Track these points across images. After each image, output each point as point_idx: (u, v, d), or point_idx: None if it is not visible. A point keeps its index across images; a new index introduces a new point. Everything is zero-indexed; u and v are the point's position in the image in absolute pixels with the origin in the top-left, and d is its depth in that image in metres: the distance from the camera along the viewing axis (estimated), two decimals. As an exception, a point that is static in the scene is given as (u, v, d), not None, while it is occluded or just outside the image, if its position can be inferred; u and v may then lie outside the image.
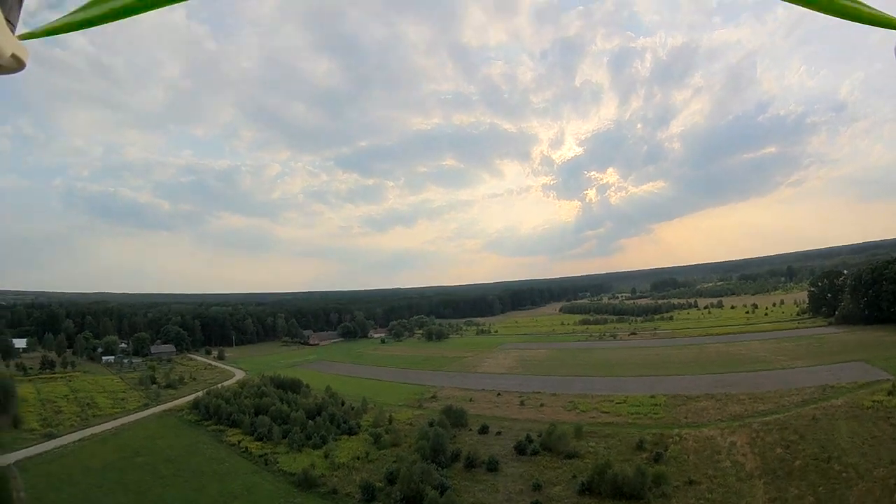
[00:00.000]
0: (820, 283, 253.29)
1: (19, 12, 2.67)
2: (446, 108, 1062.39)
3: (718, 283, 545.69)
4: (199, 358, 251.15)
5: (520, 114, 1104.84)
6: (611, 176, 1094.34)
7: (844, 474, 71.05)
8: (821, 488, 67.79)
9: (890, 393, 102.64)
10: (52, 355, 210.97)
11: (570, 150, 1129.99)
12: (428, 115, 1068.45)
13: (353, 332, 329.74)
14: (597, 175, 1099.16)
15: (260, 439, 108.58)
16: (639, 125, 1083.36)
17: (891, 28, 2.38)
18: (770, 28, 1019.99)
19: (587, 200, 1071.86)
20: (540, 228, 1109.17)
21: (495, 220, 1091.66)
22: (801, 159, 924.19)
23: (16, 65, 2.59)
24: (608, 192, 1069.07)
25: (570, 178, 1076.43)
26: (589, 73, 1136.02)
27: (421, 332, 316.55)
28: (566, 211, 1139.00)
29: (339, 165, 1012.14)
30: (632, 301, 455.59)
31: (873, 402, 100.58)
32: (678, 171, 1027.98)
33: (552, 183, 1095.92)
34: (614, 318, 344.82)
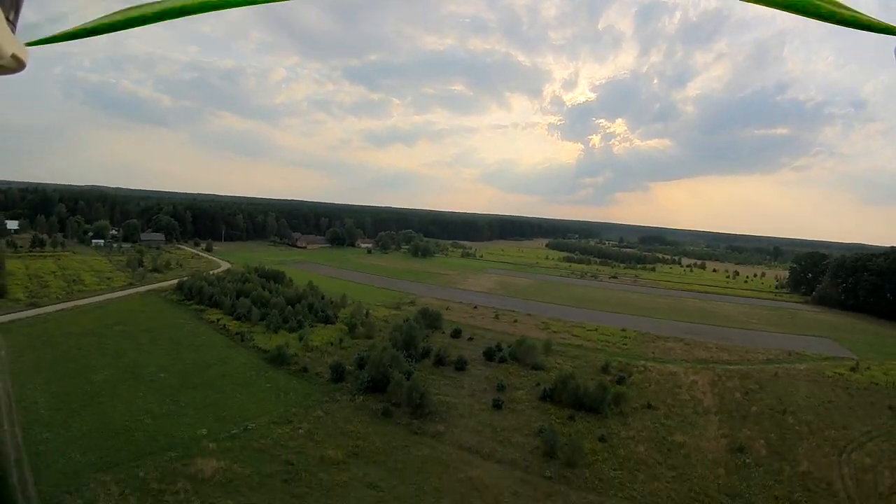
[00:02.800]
0: (803, 262, 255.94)
1: (19, 12, 2.67)
2: (463, 31, 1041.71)
3: (705, 248, 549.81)
4: (187, 248, 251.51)
5: (536, 48, 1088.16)
6: (619, 126, 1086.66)
7: (797, 428, 73.56)
8: (772, 435, 70.19)
9: (852, 369, 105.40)
10: (43, 235, 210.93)
11: (583, 94, 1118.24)
12: (443, 36, 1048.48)
13: (342, 240, 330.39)
14: (605, 123, 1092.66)
15: (238, 319, 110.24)
16: (655, 80, 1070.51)
17: (889, 33, 2.42)
18: None
19: (591, 145, 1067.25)
20: (539, 167, 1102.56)
21: (496, 152, 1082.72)
22: (811, 147, 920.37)
23: (16, 64, 2.62)
24: (613, 140, 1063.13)
25: (577, 122, 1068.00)
26: (614, 18, 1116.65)
27: (407, 246, 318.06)
28: (567, 152, 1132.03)
29: (346, 76, 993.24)
30: (618, 248, 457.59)
31: (835, 373, 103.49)
32: (686, 134, 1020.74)
33: (559, 123, 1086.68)
34: (598, 260, 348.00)
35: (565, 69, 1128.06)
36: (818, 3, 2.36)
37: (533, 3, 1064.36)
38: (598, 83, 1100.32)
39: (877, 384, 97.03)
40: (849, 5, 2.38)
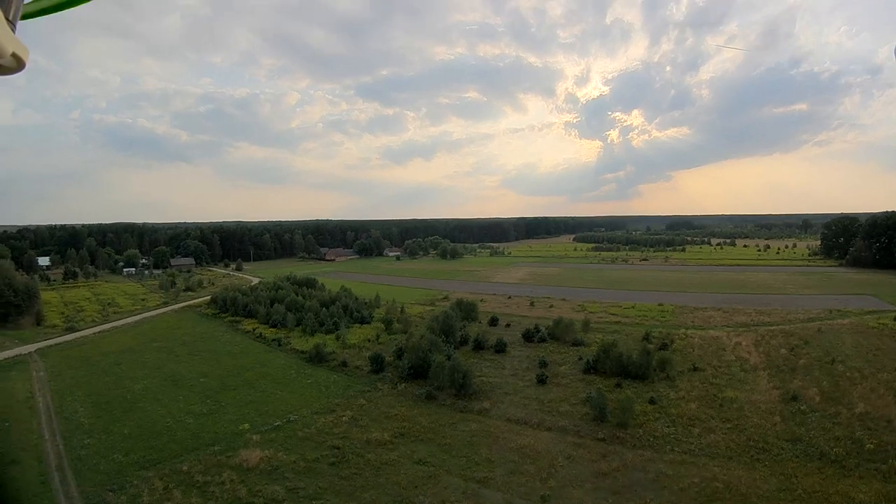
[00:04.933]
0: (833, 227, 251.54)
1: (19, 12, 2.69)
2: (471, 38, 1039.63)
3: (733, 229, 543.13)
4: (217, 269, 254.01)
5: (546, 48, 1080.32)
6: (635, 118, 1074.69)
7: (848, 375, 72.18)
8: (824, 383, 68.90)
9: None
10: (75, 268, 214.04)
11: (596, 88, 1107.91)
12: (452, 45, 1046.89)
13: (369, 250, 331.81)
14: (621, 116, 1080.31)
15: (274, 326, 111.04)
16: (668, 68, 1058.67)
17: None
18: None
19: (609, 141, 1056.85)
20: (559, 168, 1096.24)
21: (515, 157, 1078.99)
22: (831, 120, 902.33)
23: (16, 64, 2.64)
24: (631, 133, 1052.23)
25: (593, 118, 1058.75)
26: (621, 11, 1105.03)
27: (435, 251, 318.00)
28: (587, 150, 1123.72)
29: (359, 94, 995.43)
30: (646, 235, 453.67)
31: (879, 324, 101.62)
32: (704, 119, 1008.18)
33: (575, 121, 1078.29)
34: (627, 247, 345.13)
35: (577, 66, 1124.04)
36: None
37: (539, 4, 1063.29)
38: (610, 76, 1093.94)
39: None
40: None
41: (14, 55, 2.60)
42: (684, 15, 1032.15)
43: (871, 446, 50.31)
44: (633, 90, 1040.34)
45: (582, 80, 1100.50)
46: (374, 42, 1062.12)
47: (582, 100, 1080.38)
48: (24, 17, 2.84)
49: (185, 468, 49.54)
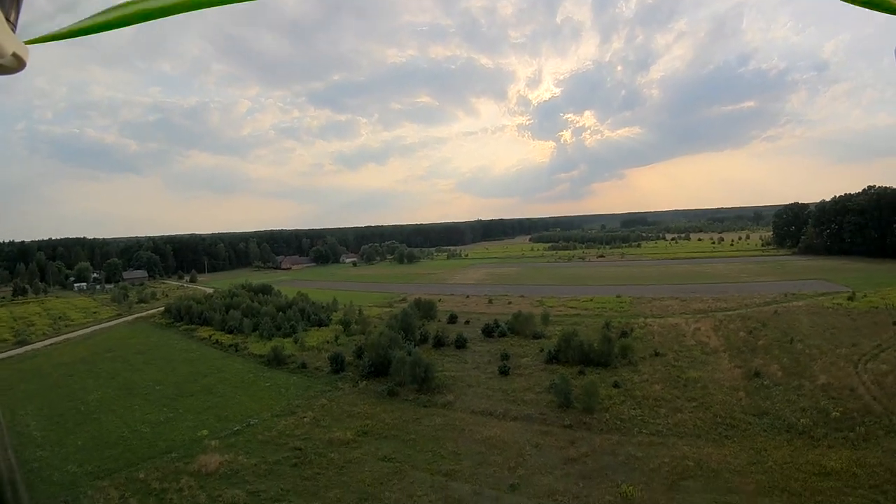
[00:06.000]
0: (784, 215, 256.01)
1: (19, 12, 2.55)
2: (422, 39, 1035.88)
3: (687, 224, 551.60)
4: (171, 282, 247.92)
5: (498, 49, 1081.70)
6: (588, 119, 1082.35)
7: (807, 352, 72.67)
8: (785, 360, 69.18)
9: (849, 299, 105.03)
10: (24, 284, 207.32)
11: (548, 90, 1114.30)
12: (403, 48, 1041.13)
13: (326, 257, 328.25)
14: (573, 118, 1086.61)
15: (230, 332, 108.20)
16: (619, 67, 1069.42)
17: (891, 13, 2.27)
18: None
19: (562, 142, 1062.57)
20: (513, 169, 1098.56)
21: (469, 160, 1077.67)
22: (779, 116, 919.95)
23: (17, 64, 2.50)
24: (584, 134, 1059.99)
25: (545, 119, 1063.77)
26: (571, 10, 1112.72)
27: (392, 256, 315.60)
28: (540, 152, 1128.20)
29: (311, 101, 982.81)
30: (601, 233, 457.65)
31: (833, 304, 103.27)
32: (655, 118, 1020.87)
33: (528, 123, 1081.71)
34: (583, 245, 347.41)
35: (528, 67, 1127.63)
36: None
37: (490, 4, 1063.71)
38: (562, 77, 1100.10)
39: (876, 308, 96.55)
40: None
41: (14, 55, 2.50)
42: (634, 12, 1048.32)
43: (837, 414, 50.38)
44: (584, 91, 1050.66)
45: (534, 81, 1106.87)
46: (323, 45, 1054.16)
47: (534, 102, 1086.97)
48: (42, 40, 2.66)
49: (141, 476, 47.15)
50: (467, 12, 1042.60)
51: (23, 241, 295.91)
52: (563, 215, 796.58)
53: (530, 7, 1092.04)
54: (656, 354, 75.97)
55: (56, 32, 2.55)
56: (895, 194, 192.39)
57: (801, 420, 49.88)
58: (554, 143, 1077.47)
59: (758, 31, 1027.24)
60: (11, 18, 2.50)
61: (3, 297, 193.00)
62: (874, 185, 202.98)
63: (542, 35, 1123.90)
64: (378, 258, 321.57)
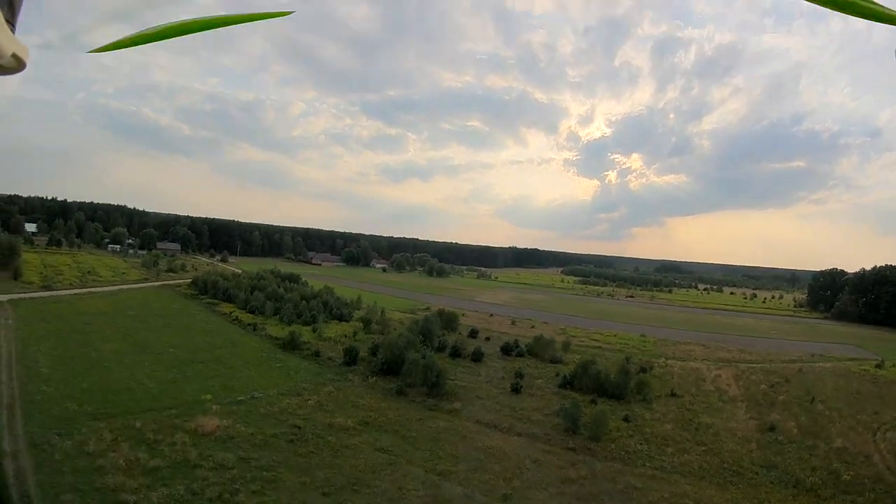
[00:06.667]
0: (821, 279, 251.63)
1: (18, 13, 2.54)
2: (480, 68, 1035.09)
3: (722, 277, 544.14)
4: (202, 258, 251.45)
5: (553, 85, 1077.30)
6: (635, 161, 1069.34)
7: (827, 413, 71.08)
8: (803, 418, 67.68)
9: (878, 366, 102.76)
10: (60, 236, 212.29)
11: (598, 129, 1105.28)
12: (460, 73, 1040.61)
13: (357, 259, 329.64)
14: (620, 158, 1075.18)
15: (252, 312, 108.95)
16: (671, 115, 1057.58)
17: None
18: (821, 41, 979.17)
19: (606, 181, 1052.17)
20: (555, 203, 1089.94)
21: (511, 187, 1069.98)
22: (828, 179, 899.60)
23: (16, 64, 2.50)
24: (629, 176, 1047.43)
25: (592, 157, 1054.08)
26: (630, 55, 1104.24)
27: (423, 268, 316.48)
28: (584, 189, 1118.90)
29: (363, 111, 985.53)
30: (634, 274, 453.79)
31: (861, 369, 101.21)
32: (702, 168, 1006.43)
33: (574, 159, 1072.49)
34: (614, 283, 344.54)
35: (582, 105, 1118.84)
36: None
37: (550, 41, 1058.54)
38: (614, 119, 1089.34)
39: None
40: None
41: (14, 55, 2.48)
42: (692, 64, 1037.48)
43: (848, 478, 48.96)
44: (634, 134, 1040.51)
45: (585, 119, 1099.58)
46: (384, 62, 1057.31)
47: (584, 139, 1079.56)
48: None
49: (138, 425, 47.56)
50: (527, 46, 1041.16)
51: (65, 200, 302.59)
52: (599, 254, 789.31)
53: (590, 48, 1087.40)
54: (672, 395, 74.79)
55: (118, 42, 2.68)
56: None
57: (811, 478, 48.56)
58: (598, 183, 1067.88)
59: (814, 94, 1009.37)
60: (10, 19, 2.49)
61: (38, 246, 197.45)
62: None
63: (599, 77, 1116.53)
64: (408, 268, 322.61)
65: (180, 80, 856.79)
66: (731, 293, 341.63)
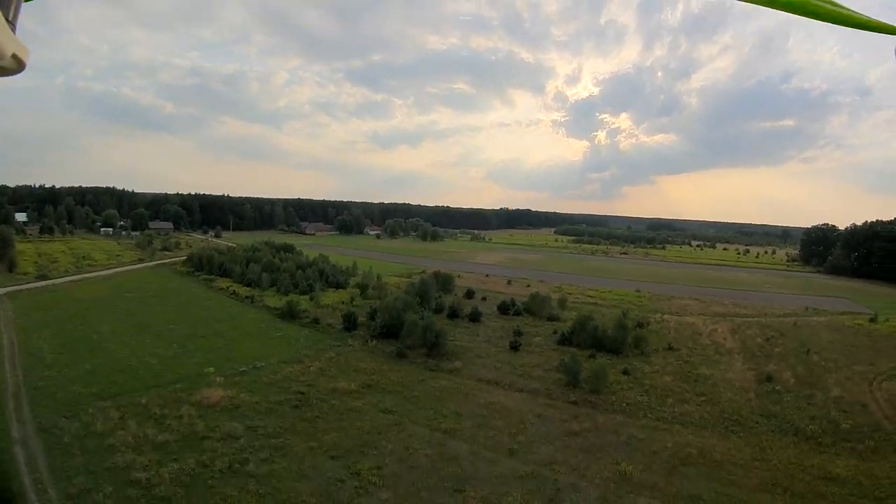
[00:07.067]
0: (813, 234, 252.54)
1: (19, 13, 2.58)
2: (464, 29, 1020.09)
3: (714, 234, 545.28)
4: (195, 235, 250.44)
5: (539, 44, 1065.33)
6: (623, 121, 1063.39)
7: (823, 364, 71.81)
8: (800, 369, 68.41)
9: (871, 320, 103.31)
10: (52, 223, 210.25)
11: (586, 89, 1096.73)
12: (445, 36, 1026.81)
13: (350, 227, 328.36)
14: (609, 119, 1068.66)
15: (248, 285, 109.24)
16: (659, 73, 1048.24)
17: (888, 33, 2.54)
18: None
19: (596, 142, 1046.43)
20: (545, 164, 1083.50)
21: (501, 150, 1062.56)
22: (818, 138, 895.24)
23: (16, 65, 2.54)
24: (618, 136, 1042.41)
25: (581, 118, 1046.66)
26: (616, 12, 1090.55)
27: (416, 233, 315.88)
28: (573, 150, 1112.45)
29: (348, 78, 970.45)
30: (627, 232, 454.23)
31: (854, 323, 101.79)
32: (692, 127, 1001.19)
33: (563, 119, 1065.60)
34: (607, 242, 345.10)
35: (568, 65, 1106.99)
36: (816, 3, 2.54)
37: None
38: (601, 78, 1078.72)
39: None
40: (847, 6, 2.56)
41: (14, 56, 2.50)
42: (679, 21, 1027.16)
43: (847, 426, 49.73)
44: (623, 93, 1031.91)
45: (573, 79, 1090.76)
46: (367, 27, 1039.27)
47: (571, 99, 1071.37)
48: None
49: (143, 402, 47.76)
50: (511, 5, 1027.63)
51: (52, 186, 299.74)
52: (590, 213, 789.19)
53: (575, 5, 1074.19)
54: (670, 349, 75.54)
55: None
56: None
57: (810, 426, 49.20)
58: (588, 143, 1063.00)
59: (803, 52, 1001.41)
60: (11, 19, 2.48)
61: (31, 235, 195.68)
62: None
63: (585, 34, 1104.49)
64: (402, 233, 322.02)
65: (160, 57, 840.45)
66: (725, 249, 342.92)
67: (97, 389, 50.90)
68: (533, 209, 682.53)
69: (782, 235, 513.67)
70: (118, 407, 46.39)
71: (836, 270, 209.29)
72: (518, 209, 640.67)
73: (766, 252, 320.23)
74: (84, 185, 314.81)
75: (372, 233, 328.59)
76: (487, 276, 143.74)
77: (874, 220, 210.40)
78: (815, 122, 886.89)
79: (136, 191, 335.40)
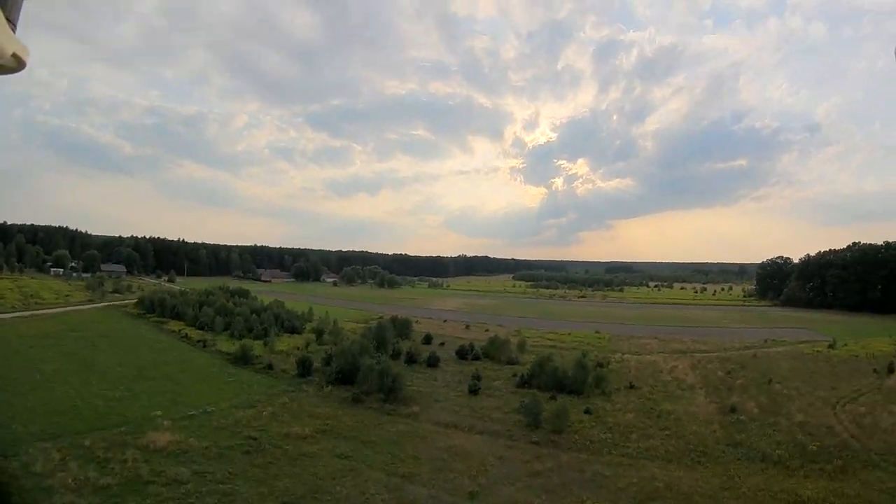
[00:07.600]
0: (768, 268, 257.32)
1: (20, 12, 2.71)
2: (423, 74, 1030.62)
3: (671, 274, 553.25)
4: (148, 279, 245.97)
5: (497, 90, 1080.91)
6: (581, 167, 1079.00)
7: (785, 392, 71.54)
8: (762, 399, 67.86)
9: (830, 347, 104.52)
10: (0, 261, 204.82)
11: (543, 134, 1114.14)
12: (404, 80, 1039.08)
13: (307, 274, 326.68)
14: (567, 164, 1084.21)
15: (201, 328, 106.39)
16: (615, 116, 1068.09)
17: None
18: (760, 41, 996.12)
19: (553, 188, 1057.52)
20: (502, 212, 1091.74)
21: (459, 198, 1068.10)
22: (770, 176, 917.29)
23: (16, 64, 2.66)
24: (575, 182, 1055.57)
25: (538, 164, 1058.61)
26: (573, 58, 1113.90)
27: (374, 280, 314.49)
28: (531, 196, 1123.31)
29: (308, 122, 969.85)
30: (585, 276, 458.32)
31: (814, 350, 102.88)
32: (647, 170, 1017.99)
33: (521, 167, 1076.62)
34: (565, 286, 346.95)
35: (526, 109, 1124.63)
36: None
37: (493, 46, 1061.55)
38: (558, 123, 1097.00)
39: (856, 356, 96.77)
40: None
41: (14, 55, 2.57)
42: (633, 65, 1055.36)
43: (814, 448, 48.96)
44: (579, 137, 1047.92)
45: (530, 124, 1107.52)
46: (327, 71, 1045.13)
47: (529, 145, 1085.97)
48: None
49: (86, 443, 45.12)
50: (470, 52, 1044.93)
51: (4, 222, 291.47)
52: (548, 259, 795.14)
53: (532, 52, 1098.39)
54: (631, 387, 74.28)
55: None
56: (878, 250, 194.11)
57: (777, 451, 48.35)
58: (545, 190, 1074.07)
59: (754, 91, 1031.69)
60: (11, 18, 2.47)
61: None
62: (859, 242, 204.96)
63: (543, 80, 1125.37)
64: (359, 280, 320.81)
65: (120, 95, 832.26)
66: (682, 288, 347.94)
67: (38, 429, 48.25)
68: (491, 256, 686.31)
69: (738, 272, 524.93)
70: (59, 448, 43.62)
71: (791, 302, 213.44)
72: (476, 256, 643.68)
73: (722, 289, 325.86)
74: (36, 223, 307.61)
75: (329, 280, 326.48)
76: (445, 321, 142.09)
77: (826, 250, 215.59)
78: (767, 161, 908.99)
79: (89, 232, 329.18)
